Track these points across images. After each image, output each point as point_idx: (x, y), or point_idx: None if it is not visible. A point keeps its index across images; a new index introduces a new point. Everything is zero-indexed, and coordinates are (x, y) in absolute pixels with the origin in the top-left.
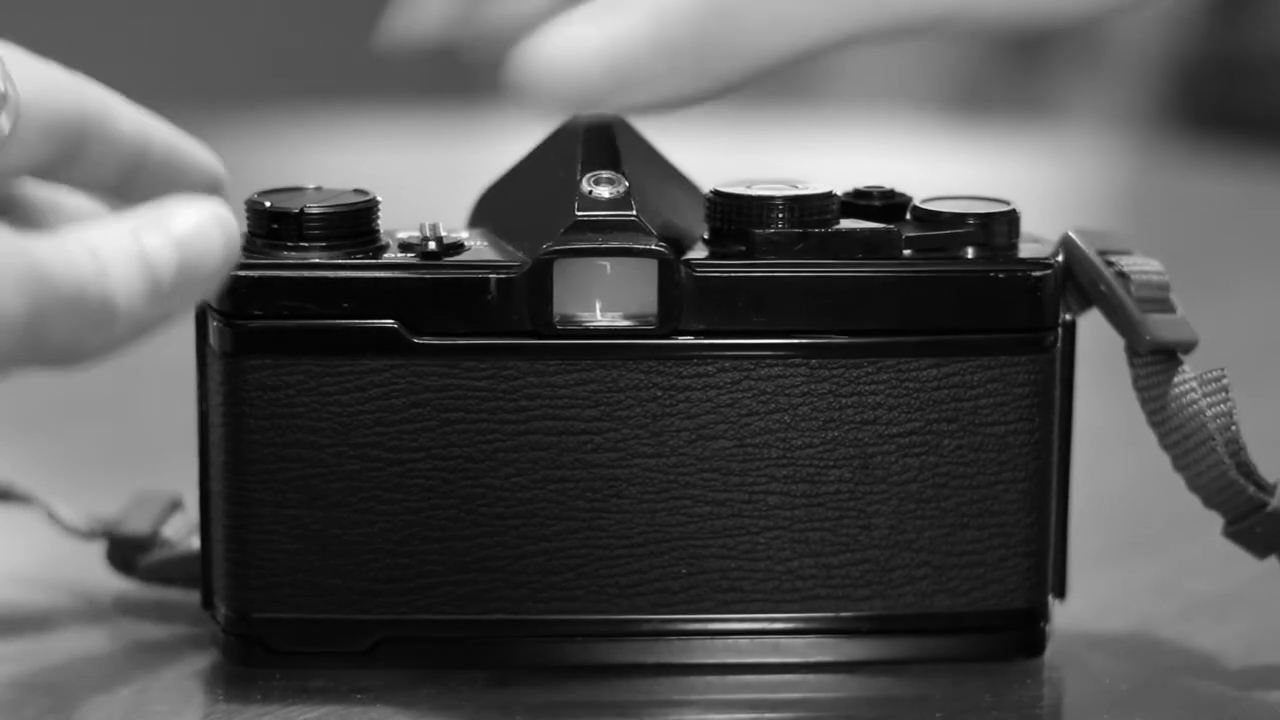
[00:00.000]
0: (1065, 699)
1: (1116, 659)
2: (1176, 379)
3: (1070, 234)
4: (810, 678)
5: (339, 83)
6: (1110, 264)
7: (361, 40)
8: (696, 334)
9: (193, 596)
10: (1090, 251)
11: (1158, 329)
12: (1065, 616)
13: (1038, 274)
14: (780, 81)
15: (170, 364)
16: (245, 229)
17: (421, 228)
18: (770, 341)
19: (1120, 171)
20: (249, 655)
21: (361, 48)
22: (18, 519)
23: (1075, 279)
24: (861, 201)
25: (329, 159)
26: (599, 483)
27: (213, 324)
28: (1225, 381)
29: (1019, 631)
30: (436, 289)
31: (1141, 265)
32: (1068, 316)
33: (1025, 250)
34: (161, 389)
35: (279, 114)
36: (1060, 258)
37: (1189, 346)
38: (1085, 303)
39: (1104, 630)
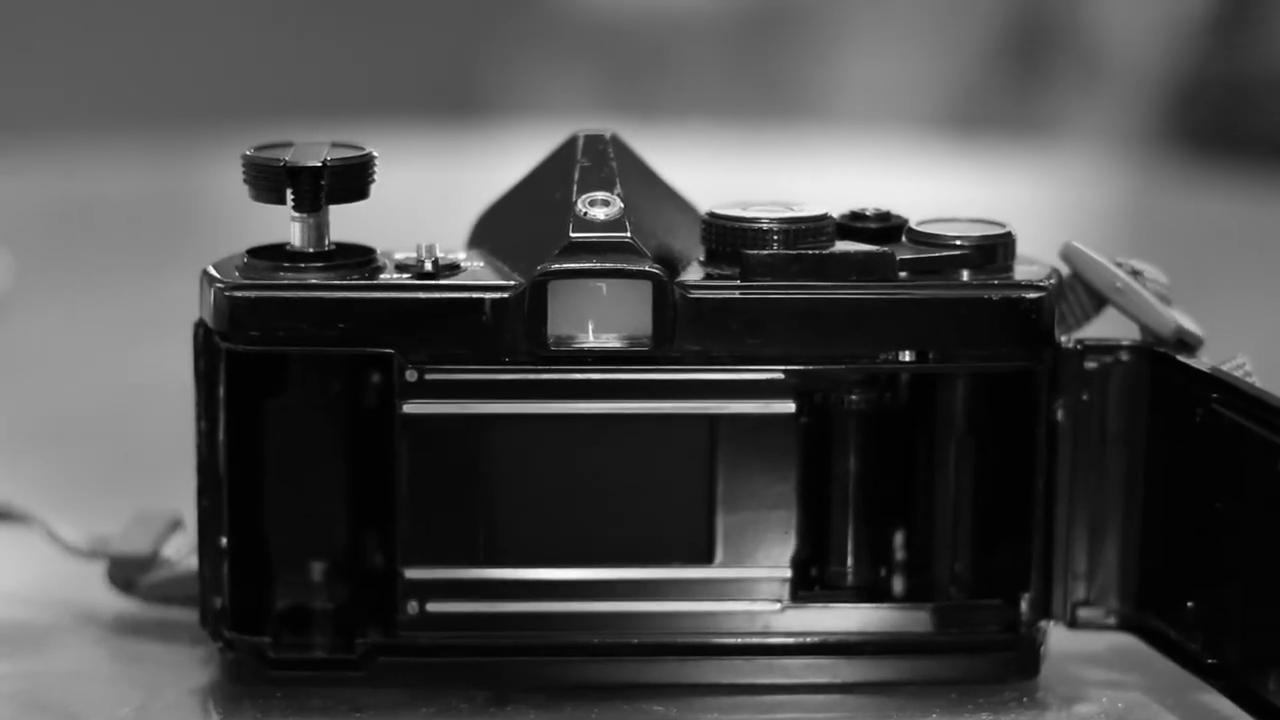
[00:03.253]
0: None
1: (1112, 677)
2: None
3: (1073, 242)
4: (806, 698)
5: (335, 101)
6: (1119, 264)
7: (358, 58)
8: (691, 353)
9: (193, 615)
10: (1099, 253)
11: (1180, 318)
12: (1060, 635)
13: (1032, 296)
14: (778, 100)
15: (169, 383)
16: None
17: (418, 249)
18: (763, 364)
19: (1118, 192)
20: (248, 674)
21: (358, 66)
22: (18, 539)
23: (1084, 280)
24: (857, 223)
25: None
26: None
27: (210, 343)
28: (1248, 367)
29: (1014, 652)
30: (431, 309)
31: (1147, 266)
32: (1064, 341)
33: (1021, 272)
34: (160, 409)
35: (275, 133)
36: (1053, 280)
37: (1200, 342)
38: (1098, 303)
39: (1099, 648)
